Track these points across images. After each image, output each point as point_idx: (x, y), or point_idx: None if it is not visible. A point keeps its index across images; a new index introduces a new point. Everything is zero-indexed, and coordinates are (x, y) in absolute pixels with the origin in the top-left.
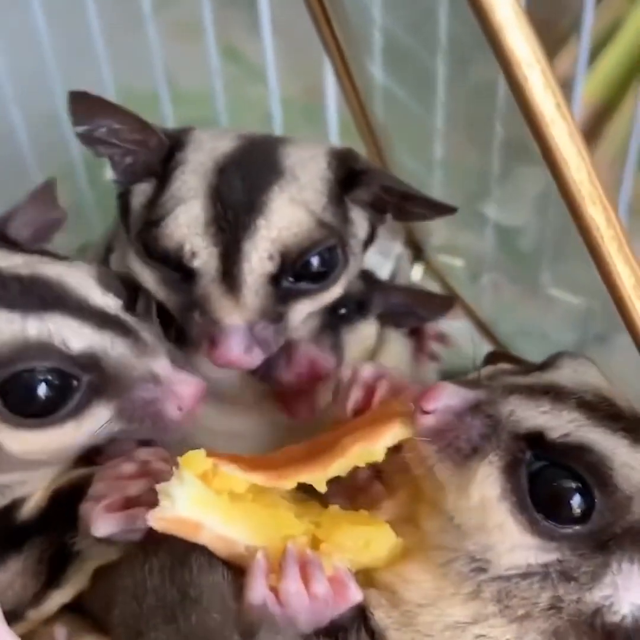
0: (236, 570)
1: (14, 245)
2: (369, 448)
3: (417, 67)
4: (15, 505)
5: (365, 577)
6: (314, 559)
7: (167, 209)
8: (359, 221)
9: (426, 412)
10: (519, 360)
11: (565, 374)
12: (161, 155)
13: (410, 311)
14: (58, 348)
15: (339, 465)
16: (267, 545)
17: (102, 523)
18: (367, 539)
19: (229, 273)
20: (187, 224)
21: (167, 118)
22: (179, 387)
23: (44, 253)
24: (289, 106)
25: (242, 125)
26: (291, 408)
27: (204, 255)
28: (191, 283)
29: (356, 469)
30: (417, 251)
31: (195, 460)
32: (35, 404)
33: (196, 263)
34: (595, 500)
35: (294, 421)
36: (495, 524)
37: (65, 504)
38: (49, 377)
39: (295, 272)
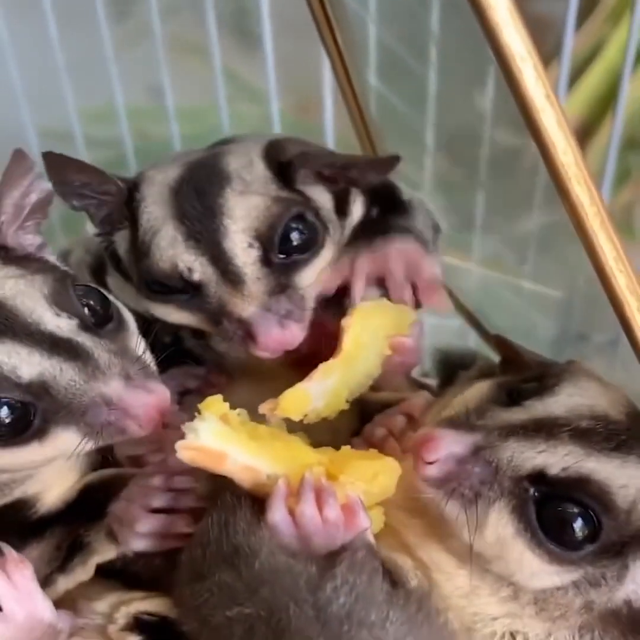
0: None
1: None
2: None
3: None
4: (28, 502)
5: (398, 543)
6: (329, 487)
7: (146, 242)
8: (318, 194)
9: (429, 462)
10: (522, 352)
11: (561, 400)
12: (123, 200)
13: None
14: (8, 377)
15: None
16: (287, 474)
17: (145, 522)
18: (375, 471)
19: (226, 272)
20: (170, 246)
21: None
22: (132, 406)
23: (19, 260)
24: (284, 123)
25: None
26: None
27: (197, 267)
28: (202, 297)
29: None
30: None
31: (215, 404)
32: None
33: (196, 276)
34: (602, 522)
35: None
36: (514, 558)
37: (92, 498)
38: (5, 405)
39: (279, 249)
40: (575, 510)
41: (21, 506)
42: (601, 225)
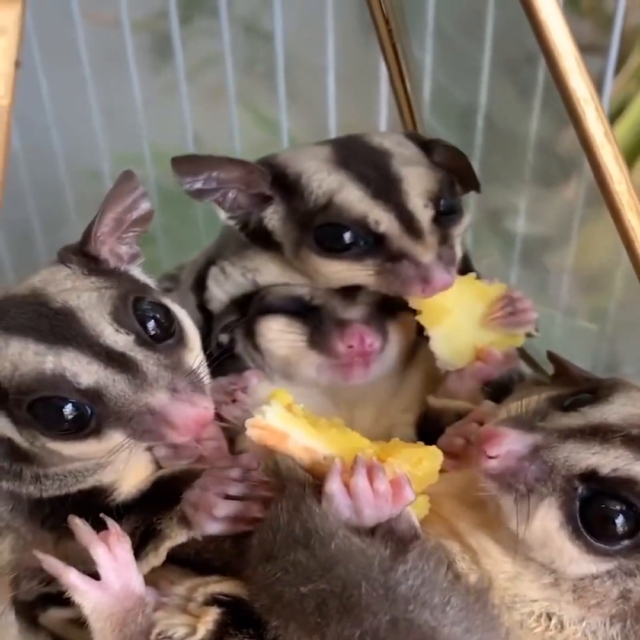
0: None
1: (89, 261)
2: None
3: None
4: (105, 490)
5: (448, 530)
6: (379, 465)
7: (322, 203)
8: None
9: (490, 456)
10: (571, 368)
11: (615, 409)
12: (268, 181)
13: None
14: (70, 381)
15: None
16: (341, 455)
17: (222, 506)
18: (420, 457)
19: (411, 227)
20: (359, 199)
21: None
22: (172, 417)
23: (103, 273)
24: None
25: None
26: (347, 373)
27: (385, 221)
28: (380, 246)
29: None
30: None
31: (281, 394)
32: (59, 424)
33: (382, 228)
34: None
35: (349, 387)
36: (556, 548)
37: (165, 490)
38: (65, 405)
39: (440, 211)
40: (619, 507)
41: (99, 494)
42: None
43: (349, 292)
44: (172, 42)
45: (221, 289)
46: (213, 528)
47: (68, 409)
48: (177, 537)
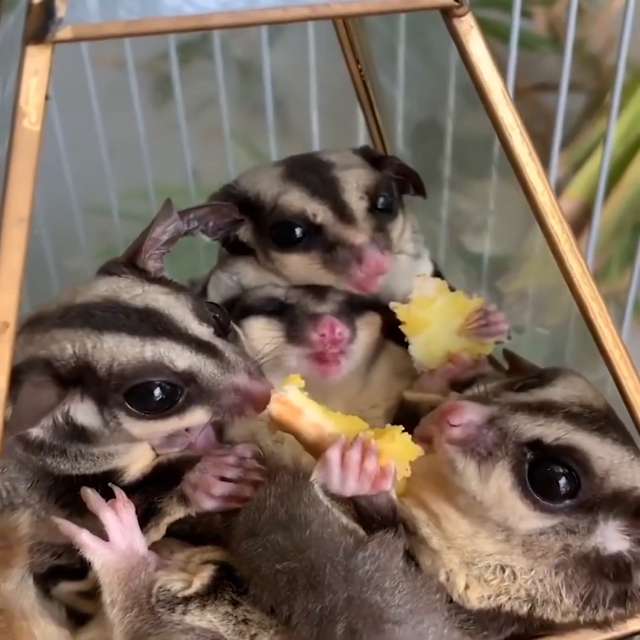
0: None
1: (140, 272)
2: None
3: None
4: (116, 472)
5: (417, 501)
6: (374, 448)
7: (272, 206)
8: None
9: (453, 425)
10: (524, 363)
11: (558, 391)
12: (236, 210)
13: None
14: (167, 366)
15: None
16: (344, 434)
17: (219, 486)
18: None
19: (344, 215)
20: (299, 198)
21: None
22: (253, 394)
23: (160, 281)
24: None
25: None
26: (323, 370)
27: (321, 212)
28: (320, 235)
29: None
30: None
31: (295, 380)
32: (151, 405)
33: (319, 219)
34: (581, 482)
35: (321, 384)
36: (509, 506)
37: (164, 473)
38: (160, 387)
39: (377, 207)
40: (562, 471)
41: (113, 475)
42: (570, 249)
43: (320, 292)
44: (172, 82)
45: (217, 293)
46: (209, 505)
47: (167, 390)
48: (175, 513)
